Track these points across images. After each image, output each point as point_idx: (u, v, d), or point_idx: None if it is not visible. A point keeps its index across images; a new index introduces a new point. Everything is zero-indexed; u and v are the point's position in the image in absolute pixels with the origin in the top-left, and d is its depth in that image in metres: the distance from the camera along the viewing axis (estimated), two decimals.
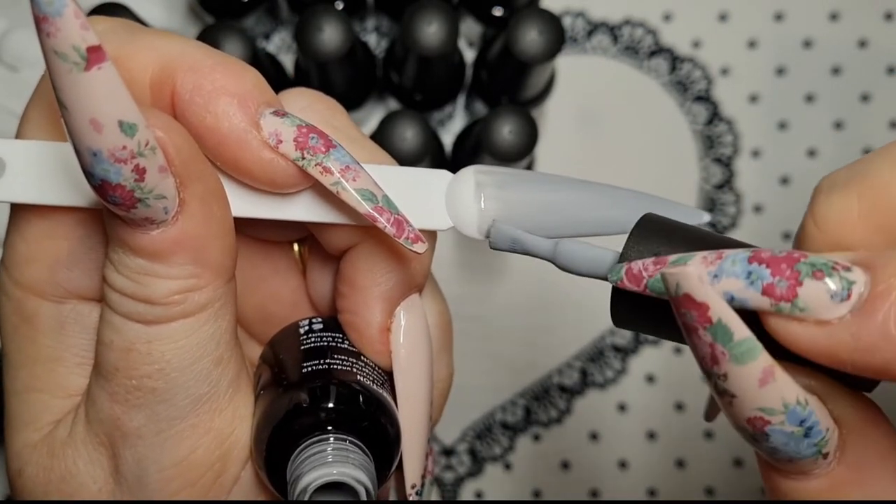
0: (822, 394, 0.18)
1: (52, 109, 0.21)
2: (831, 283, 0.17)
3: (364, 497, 0.20)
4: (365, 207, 0.20)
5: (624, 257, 0.20)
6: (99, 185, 0.18)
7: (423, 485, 0.24)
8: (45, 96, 0.21)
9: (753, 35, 0.49)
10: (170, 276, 0.20)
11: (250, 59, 0.39)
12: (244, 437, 0.22)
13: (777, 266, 0.17)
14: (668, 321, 0.18)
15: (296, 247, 0.26)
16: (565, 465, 0.49)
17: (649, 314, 0.20)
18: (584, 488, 0.50)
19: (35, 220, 0.22)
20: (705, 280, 0.17)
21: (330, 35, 0.39)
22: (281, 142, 0.20)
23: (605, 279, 0.20)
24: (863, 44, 0.49)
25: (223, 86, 0.20)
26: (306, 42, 0.39)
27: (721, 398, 0.17)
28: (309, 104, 0.23)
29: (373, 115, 0.47)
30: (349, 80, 0.43)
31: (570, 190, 0.23)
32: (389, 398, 0.23)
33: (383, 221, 0.21)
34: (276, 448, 0.21)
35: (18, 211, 0.22)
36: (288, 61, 0.47)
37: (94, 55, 0.17)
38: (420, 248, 0.21)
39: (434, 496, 0.50)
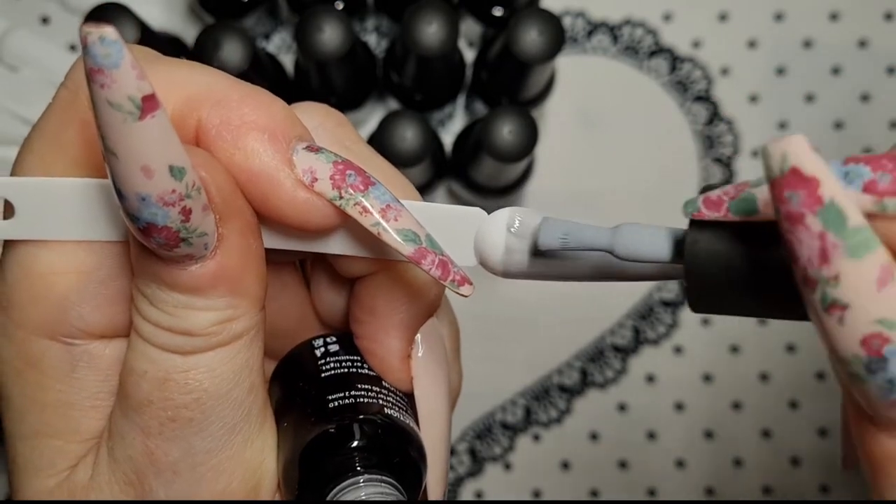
0: None
1: (58, 144, 0.20)
2: None
3: None
4: (408, 249, 0.20)
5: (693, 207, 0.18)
6: (144, 227, 0.18)
7: (444, 499, 0.24)
8: (52, 128, 0.20)
9: (753, 35, 0.49)
10: (208, 308, 0.20)
11: (250, 59, 0.39)
12: (272, 466, 0.22)
13: (877, 162, 0.15)
14: (753, 279, 0.16)
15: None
16: (565, 465, 0.49)
17: (732, 271, 0.17)
18: (584, 488, 0.50)
19: (41, 255, 0.20)
20: (815, 151, 0.14)
21: (330, 35, 0.39)
22: (316, 180, 0.20)
23: (671, 262, 0.18)
24: (863, 44, 0.49)
25: (253, 120, 0.19)
26: (306, 42, 0.39)
27: (828, 316, 0.15)
28: (320, 122, 0.23)
29: (373, 115, 0.47)
30: (349, 80, 0.43)
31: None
32: (413, 424, 0.23)
33: (428, 264, 0.20)
34: (307, 489, 0.21)
35: (18, 246, 0.21)
36: (288, 61, 0.47)
37: (148, 104, 0.16)
38: (467, 290, 0.20)
39: None
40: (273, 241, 0.21)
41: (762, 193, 0.17)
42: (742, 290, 0.18)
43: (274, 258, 0.25)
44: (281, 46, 0.48)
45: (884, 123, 0.49)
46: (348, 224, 0.21)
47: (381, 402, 0.23)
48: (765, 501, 0.50)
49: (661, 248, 0.19)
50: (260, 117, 0.20)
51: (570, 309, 0.49)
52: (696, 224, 0.18)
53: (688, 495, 0.49)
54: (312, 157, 0.20)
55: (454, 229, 0.21)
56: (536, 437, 0.49)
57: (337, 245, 0.21)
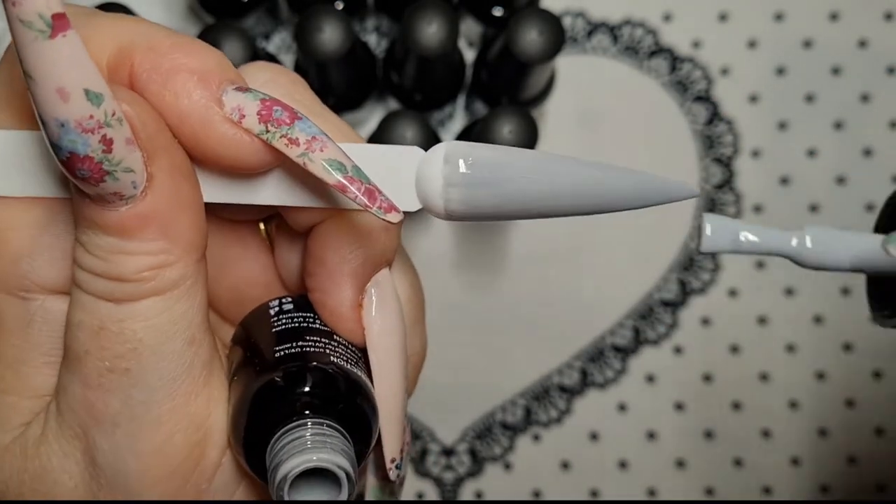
0: None
1: (9, 96, 0.21)
2: None
3: (345, 481, 0.20)
4: (334, 177, 0.20)
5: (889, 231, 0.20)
6: (67, 158, 0.18)
7: (402, 458, 0.24)
8: (2, 88, 0.21)
9: (753, 35, 0.49)
10: (140, 252, 0.20)
11: (250, 59, 0.39)
12: (221, 421, 0.22)
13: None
14: None
15: (261, 225, 0.26)
16: (565, 465, 0.49)
17: None
18: (584, 488, 0.50)
19: None
20: None
21: (330, 35, 0.39)
22: (244, 116, 0.20)
23: (863, 271, 0.21)
24: (863, 44, 0.49)
25: (183, 63, 0.20)
26: (306, 42, 0.39)
27: None
28: (271, 77, 0.23)
29: (373, 115, 0.47)
30: (349, 80, 0.43)
31: (547, 174, 0.22)
32: (364, 376, 0.23)
33: (354, 191, 0.20)
34: (253, 435, 0.21)
35: None
36: (288, 61, 0.47)
37: (58, 22, 0.17)
38: (394, 217, 0.20)
39: (434, 496, 0.50)
40: (212, 194, 0.21)
41: None
42: None
43: (228, 215, 0.25)
44: (281, 46, 0.48)
45: (884, 123, 0.49)
46: (284, 166, 0.21)
47: (328, 352, 0.23)
48: (765, 501, 0.50)
49: (847, 263, 0.21)
50: (191, 61, 0.20)
51: (570, 309, 0.49)
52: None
53: (688, 495, 0.49)
54: (241, 96, 0.20)
55: (393, 170, 0.22)
56: (536, 437, 0.49)
57: (271, 193, 0.22)
